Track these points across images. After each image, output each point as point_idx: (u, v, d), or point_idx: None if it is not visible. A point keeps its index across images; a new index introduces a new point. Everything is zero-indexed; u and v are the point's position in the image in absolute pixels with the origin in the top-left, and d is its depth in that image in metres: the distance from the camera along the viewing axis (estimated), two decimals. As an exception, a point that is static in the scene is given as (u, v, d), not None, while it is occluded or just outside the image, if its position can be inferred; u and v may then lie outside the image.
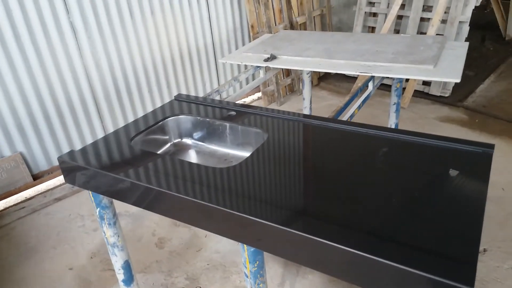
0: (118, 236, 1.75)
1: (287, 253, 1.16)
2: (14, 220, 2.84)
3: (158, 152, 1.85)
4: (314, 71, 4.69)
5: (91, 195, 1.64)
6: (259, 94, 4.42)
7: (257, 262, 1.33)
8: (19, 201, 2.97)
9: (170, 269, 2.32)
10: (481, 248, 2.28)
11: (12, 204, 2.94)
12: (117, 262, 1.80)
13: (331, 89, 4.58)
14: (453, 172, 1.20)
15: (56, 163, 3.17)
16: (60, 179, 3.19)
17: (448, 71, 2.16)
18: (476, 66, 4.80)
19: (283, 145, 1.56)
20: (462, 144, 1.46)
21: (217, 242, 2.49)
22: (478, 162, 1.36)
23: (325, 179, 1.34)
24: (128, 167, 1.47)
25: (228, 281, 2.21)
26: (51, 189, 3.07)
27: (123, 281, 1.87)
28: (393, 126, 3.07)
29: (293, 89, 4.55)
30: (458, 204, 1.17)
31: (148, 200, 1.41)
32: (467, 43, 2.61)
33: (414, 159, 1.42)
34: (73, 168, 1.56)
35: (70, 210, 2.90)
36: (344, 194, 1.25)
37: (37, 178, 3.10)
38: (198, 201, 1.25)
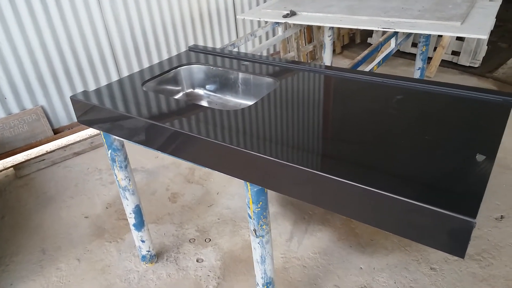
0: (130, 180, 1.77)
1: (291, 190, 1.14)
2: (34, 171, 2.93)
3: (170, 99, 1.85)
4: (337, 38, 4.56)
5: (102, 136, 1.66)
6: (280, 61, 4.34)
7: (261, 203, 1.32)
8: (40, 154, 3.06)
9: (182, 222, 2.36)
10: (498, 215, 2.20)
11: (33, 156, 3.03)
12: (128, 206, 1.84)
13: (355, 58, 4.45)
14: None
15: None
16: (79, 135, 3.25)
17: (476, 27, 2.05)
18: (510, 38, 4.55)
19: (294, 92, 1.52)
20: (481, 93, 1.38)
21: (228, 199, 2.51)
22: (497, 109, 1.30)
23: (334, 124, 1.31)
24: (138, 107, 1.47)
25: (237, 235, 2.23)
26: (71, 144, 3.14)
27: (134, 225, 1.90)
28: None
29: (314, 57, 4.45)
30: (472, 147, 1.11)
31: (155, 138, 1.41)
32: (500, 1, 2.46)
33: (427, 106, 1.36)
34: (85, 107, 1.57)
35: (89, 164, 2.97)
36: (352, 137, 1.21)
37: (57, 132, 3.17)
38: (205, 138, 1.24)
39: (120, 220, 2.40)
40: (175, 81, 1.88)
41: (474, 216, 0.88)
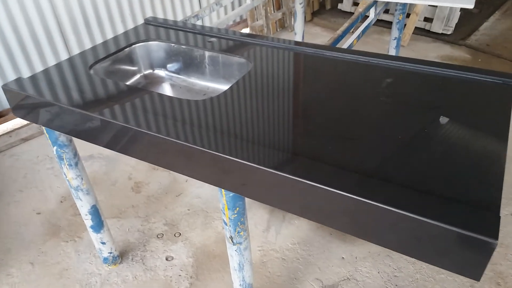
0: (82, 178, 1.53)
1: (273, 199, 0.96)
2: (-23, 161, 2.60)
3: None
4: (307, 4, 4.32)
5: (45, 131, 1.40)
6: (247, 30, 4.07)
7: (237, 209, 1.14)
8: (-18, 141, 2.72)
9: (148, 215, 2.15)
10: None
11: (-26, 144, 2.69)
12: (83, 207, 1.61)
13: (326, 25, 4.24)
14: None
15: (22, 100, 2.88)
16: (27, 118, 2.91)
17: (462, -5, 1.88)
18: (481, 2, 4.47)
19: (270, 76, 1.32)
20: (476, 73, 1.23)
21: (198, 187, 2.31)
22: (497, 94, 1.15)
23: (317, 114, 1.12)
24: (83, 97, 1.22)
25: (210, 227, 2.05)
26: (17, 128, 2.81)
27: (92, 227, 1.68)
28: (391, 64, 2.81)
29: (284, 25, 4.20)
30: (475, 142, 0.96)
31: (103, 135, 1.18)
32: (482, -33, 2.30)
33: (421, 91, 1.19)
34: (19, 98, 1.30)
35: (38, 151, 2.66)
36: (339, 131, 1.03)
37: (1, 116, 2.82)
38: (165, 137, 1.03)
39: (77, 215, 2.16)
40: (130, 61, 1.62)
41: (496, 236, 0.73)
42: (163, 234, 2.03)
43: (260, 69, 1.35)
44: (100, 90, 1.27)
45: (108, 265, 1.86)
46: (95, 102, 1.19)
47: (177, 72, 1.67)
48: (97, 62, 1.45)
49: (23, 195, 2.32)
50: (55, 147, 1.42)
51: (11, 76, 2.75)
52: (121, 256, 1.91)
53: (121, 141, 1.15)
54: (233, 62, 1.52)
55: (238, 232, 1.20)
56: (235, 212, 1.14)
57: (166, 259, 1.90)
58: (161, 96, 1.22)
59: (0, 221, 2.15)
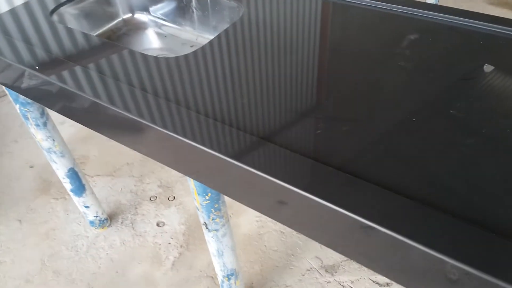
0: (54, 140, 1.36)
1: (236, 194, 0.75)
2: (-27, 108, 2.50)
3: (98, 32, 1.36)
4: None
5: (4, 87, 1.21)
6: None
7: (209, 195, 0.94)
8: (-20, 86, 2.59)
9: (142, 174, 2.00)
10: None
11: (-28, 89, 2.57)
12: (59, 170, 1.46)
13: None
14: (488, 68, 0.76)
15: (19, 42, 2.69)
16: (26, 62, 2.74)
17: None
18: None
19: (263, 26, 1.05)
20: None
21: (198, 144, 2.12)
22: None
23: (317, 83, 0.87)
24: (35, 52, 1.00)
25: (206, 191, 1.89)
26: (15, 73, 2.66)
27: (72, 190, 1.54)
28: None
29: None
30: (529, 134, 0.70)
31: (57, 102, 0.97)
32: None
33: (455, 53, 0.91)
34: (-37, 49, 1.10)
35: (36, 99, 2.52)
36: (330, 109, 0.78)
37: (-2, 60, 2.67)
38: (123, 112, 0.81)
39: (70, 172, 2.03)
40: (106, 2, 1.37)
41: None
42: (156, 197, 1.89)
43: (255, 16, 1.08)
44: (59, 43, 1.05)
45: (96, 228, 1.75)
46: (49, 60, 0.98)
47: (162, 16, 1.42)
48: (60, 5, 1.22)
49: (17, 146, 2.21)
50: (17, 105, 1.24)
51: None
52: (110, 218, 1.79)
53: (76, 111, 0.95)
54: (223, 7, 1.24)
55: (213, 219, 1.01)
56: (207, 198, 0.95)
57: (157, 225, 1.77)
58: (131, 52, 0.98)
59: (-8, 173, 2.07)
